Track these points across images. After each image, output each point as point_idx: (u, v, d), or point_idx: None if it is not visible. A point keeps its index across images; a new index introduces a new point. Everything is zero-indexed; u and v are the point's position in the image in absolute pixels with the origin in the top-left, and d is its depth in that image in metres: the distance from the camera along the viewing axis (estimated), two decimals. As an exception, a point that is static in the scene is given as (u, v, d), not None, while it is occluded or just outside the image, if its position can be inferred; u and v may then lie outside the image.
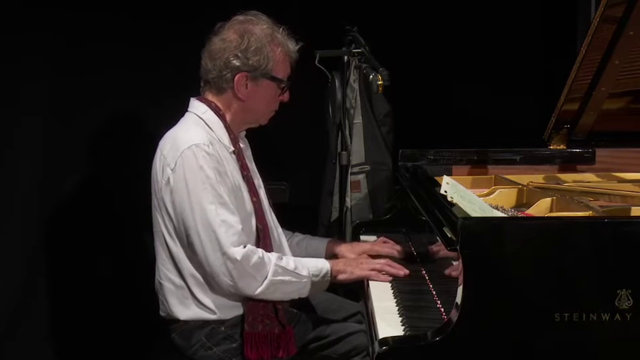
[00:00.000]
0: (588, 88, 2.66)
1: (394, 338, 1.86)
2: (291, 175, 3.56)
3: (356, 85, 3.35)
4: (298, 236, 2.70)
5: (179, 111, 2.46)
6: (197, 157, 2.23)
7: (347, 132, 3.24)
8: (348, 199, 3.31)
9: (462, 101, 3.70)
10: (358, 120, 3.38)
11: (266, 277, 2.25)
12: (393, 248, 2.65)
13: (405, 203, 2.75)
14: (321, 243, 2.69)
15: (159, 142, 2.36)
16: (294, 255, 2.54)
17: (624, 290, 1.76)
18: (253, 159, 2.55)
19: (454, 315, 1.79)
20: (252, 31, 2.35)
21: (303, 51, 3.09)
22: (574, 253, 1.78)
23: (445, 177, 2.20)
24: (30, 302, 3.01)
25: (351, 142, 3.31)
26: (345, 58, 3.14)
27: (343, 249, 2.65)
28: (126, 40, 3.18)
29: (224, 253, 2.21)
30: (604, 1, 2.34)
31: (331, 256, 2.65)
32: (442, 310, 2.09)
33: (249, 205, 2.36)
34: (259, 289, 2.25)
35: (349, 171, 3.31)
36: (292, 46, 2.43)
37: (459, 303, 1.78)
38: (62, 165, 3.09)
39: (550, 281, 1.78)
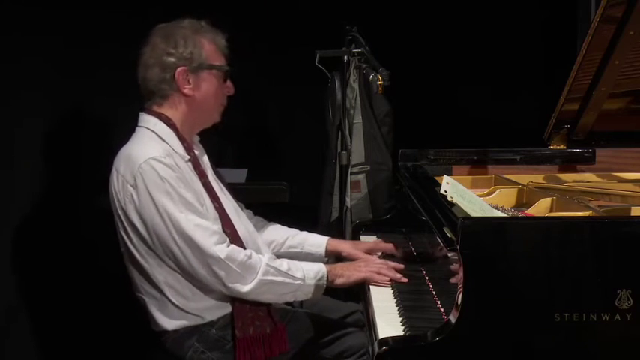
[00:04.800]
0: (588, 88, 2.66)
1: (394, 338, 1.86)
2: (291, 175, 3.56)
3: (356, 85, 3.35)
4: (297, 236, 2.69)
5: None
6: (156, 169, 2.22)
7: (347, 132, 3.24)
8: (348, 199, 3.31)
9: (462, 101, 3.70)
10: (358, 120, 3.38)
11: (255, 277, 2.25)
12: (393, 247, 2.66)
13: (405, 203, 2.75)
14: (321, 240, 2.68)
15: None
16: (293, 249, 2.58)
17: (624, 290, 1.76)
18: (251, 161, 2.55)
19: (454, 315, 1.79)
20: (173, 31, 2.37)
21: (303, 51, 3.11)
22: (574, 253, 1.78)
23: (445, 177, 2.20)
24: (25, 307, 3.00)
25: (351, 142, 3.31)
26: (345, 58, 3.14)
27: (347, 247, 2.65)
28: (127, 40, 3.17)
29: (206, 255, 2.21)
30: (604, 1, 2.34)
31: (332, 254, 2.64)
32: (442, 310, 2.09)
33: (212, 212, 2.34)
34: (248, 288, 2.25)
35: (349, 171, 3.31)
36: (218, 35, 2.43)
37: (458, 303, 1.78)
38: (63, 165, 3.09)
39: (550, 281, 1.78)
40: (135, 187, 2.24)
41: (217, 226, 2.28)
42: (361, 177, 3.40)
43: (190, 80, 2.35)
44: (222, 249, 2.22)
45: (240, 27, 2.52)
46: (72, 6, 3.03)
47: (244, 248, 2.33)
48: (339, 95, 3.24)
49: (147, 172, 2.22)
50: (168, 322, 2.33)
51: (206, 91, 2.38)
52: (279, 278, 2.29)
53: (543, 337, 1.77)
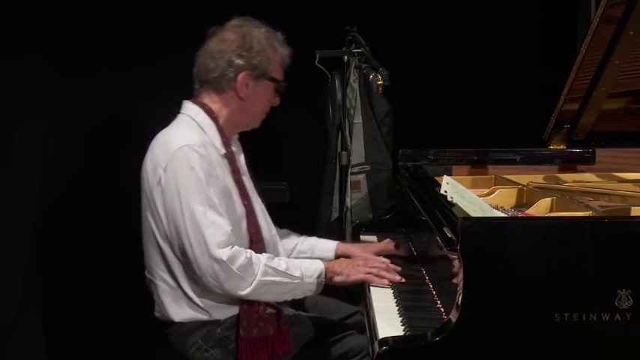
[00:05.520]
0: (588, 88, 2.66)
1: (394, 338, 1.86)
2: (291, 175, 3.56)
3: (356, 85, 3.35)
4: (306, 242, 2.70)
5: (179, 111, 2.46)
6: (189, 157, 2.24)
7: (347, 132, 3.24)
8: (348, 199, 3.31)
9: (462, 101, 3.70)
10: (358, 120, 3.38)
11: (255, 278, 2.25)
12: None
13: (405, 203, 2.75)
14: (330, 245, 2.69)
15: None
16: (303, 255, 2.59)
17: (624, 290, 1.76)
18: (251, 161, 2.55)
19: (454, 315, 1.79)
20: (251, 34, 2.40)
21: (303, 51, 3.11)
22: (574, 253, 1.78)
23: (445, 177, 2.20)
24: (28, 303, 3.01)
25: (351, 142, 3.31)
26: (345, 58, 3.14)
27: (357, 251, 2.65)
28: (127, 40, 3.18)
29: (210, 255, 2.22)
30: (604, 1, 2.34)
31: (341, 257, 2.64)
32: (442, 310, 2.09)
33: (239, 209, 2.36)
34: (248, 290, 2.25)
35: (349, 171, 3.31)
36: (287, 52, 2.48)
37: (458, 303, 1.78)
38: (63, 165, 3.09)
39: (550, 281, 1.78)
40: (165, 171, 2.26)
41: (231, 228, 2.27)
42: (361, 177, 3.40)
43: (249, 85, 2.39)
44: (225, 252, 2.22)
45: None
46: (72, 6, 3.04)
47: (265, 249, 2.36)
48: (339, 95, 3.24)
49: (179, 159, 2.24)
50: (177, 313, 2.33)
51: (259, 98, 2.43)
52: (278, 278, 2.29)
53: (543, 337, 1.77)
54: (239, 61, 2.36)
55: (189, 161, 2.24)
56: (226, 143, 2.39)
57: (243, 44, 2.37)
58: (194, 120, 2.36)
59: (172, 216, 2.26)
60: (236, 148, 2.50)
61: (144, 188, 2.36)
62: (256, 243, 2.35)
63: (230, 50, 2.37)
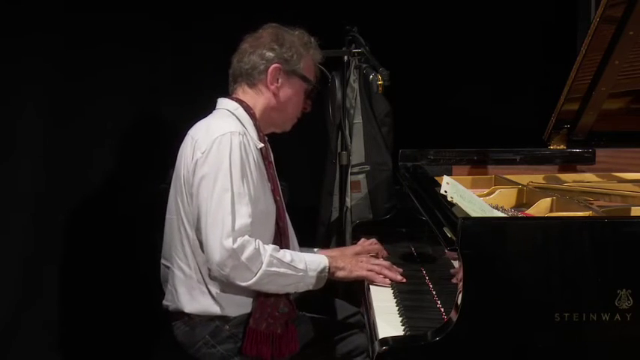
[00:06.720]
0: (588, 88, 2.66)
1: (394, 338, 1.86)
2: (291, 175, 3.56)
3: (356, 85, 3.35)
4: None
5: (178, 111, 2.46)
6: (232, 143, 2.27)
7: (347, 132, 3.24)
8: (348, 199, 3.31)
9: (462, 101, 3.70)
10: (358, 120, 3.38)
11: (260, 268, 2.25)
12: (380, 247, 2.64)
13: (405, 203, 2.75)
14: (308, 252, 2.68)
15: (189, 131, 2.41)
16: None
17: (624, 290, 1.76)
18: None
19: (454, 315, 1.79)
20: (285, 33, 2.46)
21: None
22: (574, 253, 1.78)
23: (445, 177, 2.21)
24: (31, 299, 3.02)
25: (351, 142, 3.31)
26: (345, 58, 3.15)
27: (336, 255, 2.64)
28: (126, 41, 3.18)
29: (222, 242, 2.22)
30: (604, 1, 2.34)
31: None
32: (442, 310, 2.10)
33: (271, 203, 2.39)
34: (252, 280, 2.25)
35: (349, 171, 3.31)
36: (319, 56, 2.53)
37: (458, 303, 1.78)
38: (62, 164, 3.09)
39: (550, 281, 1.78)
40: (204, 153, 2.28)
41: (251, 219, 2.27)
42: (361, 177, 3.40)
43: (280, 80, 2.44)
44: (237, 240, 2.23)
45: (239, 27, 2.52)
46: (72, 6, 3.04)
47: (289, 244, 2.40)
48: (339, 95, 3.24)
49: (222, 144, 2.27)
50: (189, 303, 2.34)
51: (289, 96, 2.47)
52: (282, 270, 2.29)
53: (543, 337, 1.77)
54: (270, 54, 2.42)
55: (231, 147, 2.27)
56: (262, 138, 2.43)
57: (275, 39, 2.44)
58: (233, 113, 2.40)
59: (200, 195, 2.28)
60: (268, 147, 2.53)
61: (178, 173, 2.38)
62: (284, 237, 2.39)
63: (262, 45, 2.43)
